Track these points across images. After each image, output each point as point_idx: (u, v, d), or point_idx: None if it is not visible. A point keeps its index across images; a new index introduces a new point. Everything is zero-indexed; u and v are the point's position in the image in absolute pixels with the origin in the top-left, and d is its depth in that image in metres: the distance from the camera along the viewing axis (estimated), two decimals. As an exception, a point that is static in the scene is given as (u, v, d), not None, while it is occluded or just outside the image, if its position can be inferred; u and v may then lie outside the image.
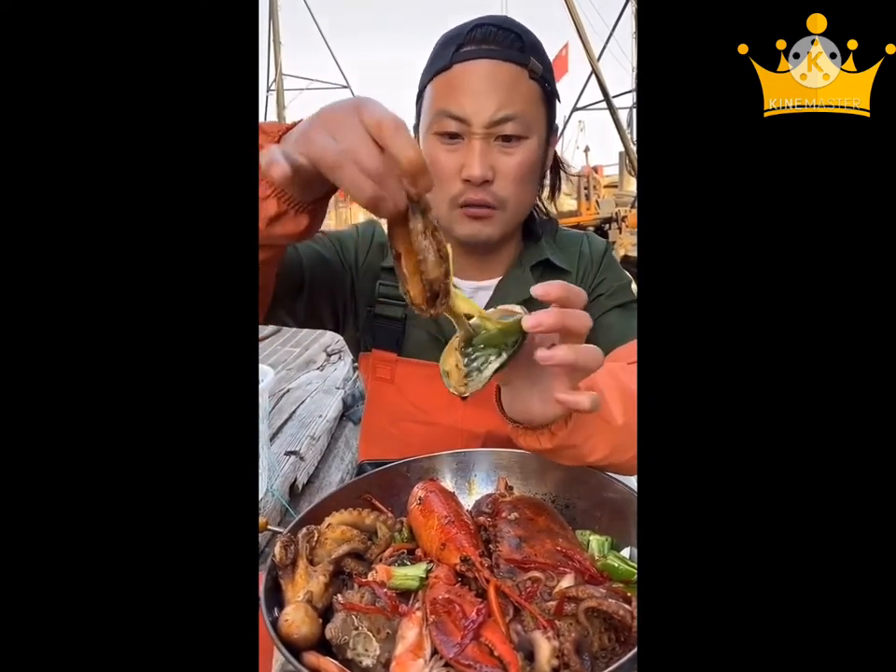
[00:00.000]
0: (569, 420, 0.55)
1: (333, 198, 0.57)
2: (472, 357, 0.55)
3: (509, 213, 0.80)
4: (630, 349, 0.79)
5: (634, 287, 0.91)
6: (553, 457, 0.61)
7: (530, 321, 0.49)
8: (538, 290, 0.50)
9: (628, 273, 0.95)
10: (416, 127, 0.84)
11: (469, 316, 0.53)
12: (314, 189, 0.51)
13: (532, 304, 0.86)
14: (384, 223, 0.52)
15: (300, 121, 0.50)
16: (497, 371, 0.53)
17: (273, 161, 0.44)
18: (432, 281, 0.48)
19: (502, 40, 0.76)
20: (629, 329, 0.83)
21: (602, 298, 0.88)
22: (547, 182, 0.92)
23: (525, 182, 0.80)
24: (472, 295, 0.87)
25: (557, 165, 0.92)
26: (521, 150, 0.77)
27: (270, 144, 0.49)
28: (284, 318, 0.85)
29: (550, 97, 0.81)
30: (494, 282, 0.88)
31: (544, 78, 0.78)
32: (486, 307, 0.88)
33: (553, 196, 0.95)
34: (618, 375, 0.62)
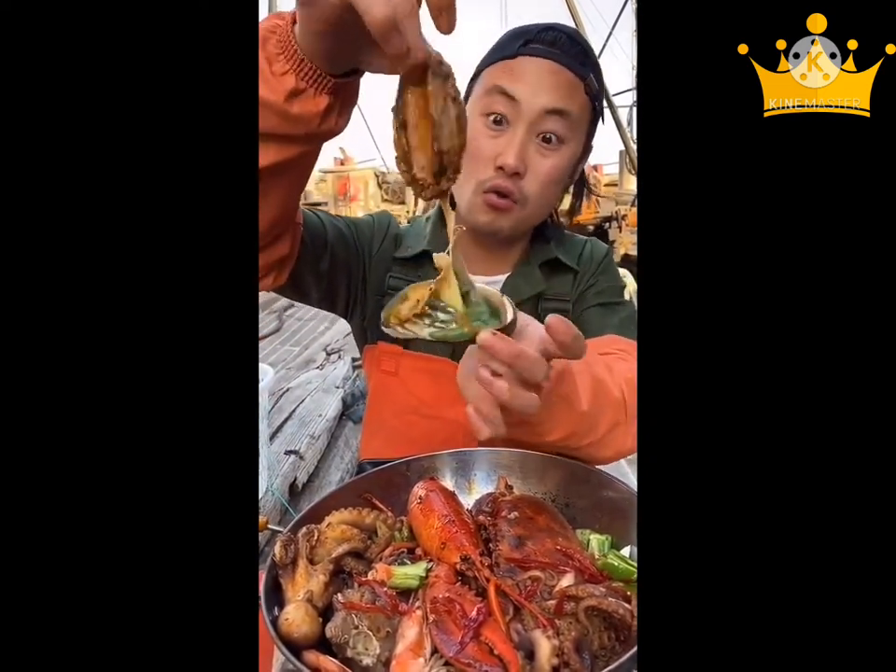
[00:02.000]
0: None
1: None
2: (433, 311, 0.53)
3: (528, 211, 0.82)
4: (600, 342, 0.80)
5: (626, 292, 0.92)
6: (509, 432, 0.61)
7: (486, 340, 0.48)
8: (553, 321, 0.50)
9: (626, 278, 0.97)
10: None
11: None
12: (331, 43, 0.48)
13: (541, 299, 0.88)
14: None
15: None
16: (436, 337, 0.52)
17: None
18: (446, 152, 0.45)
19: (569, 49, 0.79)
20: (605, 326, 0.84)
21: (589, 295, 0.90)
22: (569, 197, 0.95)
23: (552, 186, 0.82)
24: None
25: (582, 182, 0.94)
26: (557, 155, 0.80)
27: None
28: (307, 281, 0.84)
29: (595, 116, 0.84)
30: (503, 277, 0.90)
31: (596, 97, 0.81)
32: None
33: (572, 213, 0.97)
34: (590, 362, 0.62)
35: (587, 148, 0.87)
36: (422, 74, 0.43)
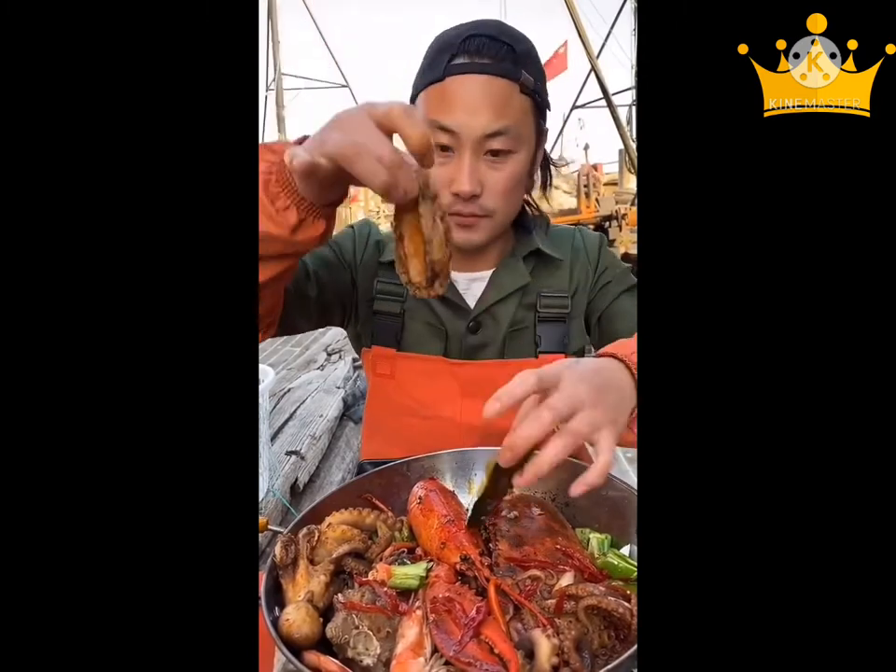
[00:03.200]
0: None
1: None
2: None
3: (496, 220, 0.82)
4: None
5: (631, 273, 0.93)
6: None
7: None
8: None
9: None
10: None
11: None
12: (329, 191, 0.55)
13: (528, 291, 0.87)
14: (380, 221, 0.54)
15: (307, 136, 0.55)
16: None
17: (296, 155, 0.50)
18: (436, 262, 0.52)
19: (495, 53, 0.76)
20: None
21: (610, 285, 0.90)
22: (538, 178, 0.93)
23: (513, 193, 0.82)
24: (468, 286, 0.90)
25: (547, 162, 0.93)
26: (509, 165, 0.78)
27: (291, 145, 0.54)
28: (299, 322, 0.86)
29: (541, 108, 0.82)
30: (488, 273, 0.90)
31: (535, 91, 0.79)
32: (482, 297, 0.89)
33: (544, 191, 0.96)
34: None
35: (541, 138, 0.85)
36: (414, 200, 0.50)
